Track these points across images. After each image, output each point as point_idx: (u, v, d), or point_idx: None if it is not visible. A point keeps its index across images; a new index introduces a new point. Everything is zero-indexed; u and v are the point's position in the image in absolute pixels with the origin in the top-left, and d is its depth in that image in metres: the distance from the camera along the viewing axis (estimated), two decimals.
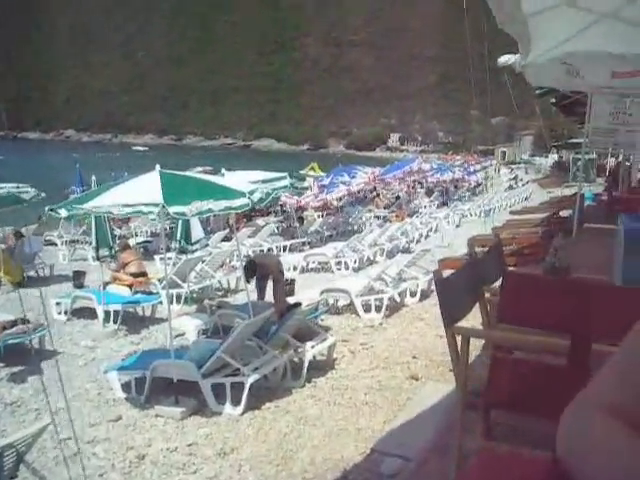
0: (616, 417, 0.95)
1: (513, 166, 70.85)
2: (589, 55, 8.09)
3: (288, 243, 20.32)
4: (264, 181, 10.04)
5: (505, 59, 9.95)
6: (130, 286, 12.29)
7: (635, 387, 0.96)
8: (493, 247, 5.00)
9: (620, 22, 6.87)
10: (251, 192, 7.74)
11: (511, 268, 11.65)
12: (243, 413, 7.19)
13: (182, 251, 17.80)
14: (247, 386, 7.27)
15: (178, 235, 18.87)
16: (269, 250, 19.08)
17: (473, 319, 4.39)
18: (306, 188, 23.75)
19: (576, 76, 9.02)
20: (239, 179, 9.82)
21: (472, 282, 3.77)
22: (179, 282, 12.78)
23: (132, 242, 18.80)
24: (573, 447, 0.97)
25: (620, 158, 20.50)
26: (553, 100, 16.76)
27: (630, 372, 0.98)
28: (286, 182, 10.91)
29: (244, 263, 11.19)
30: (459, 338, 3.07)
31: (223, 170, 12.36)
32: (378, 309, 11.20)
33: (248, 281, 10.69)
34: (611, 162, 33.39)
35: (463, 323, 3.38)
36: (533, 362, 3.02)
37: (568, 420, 1.00)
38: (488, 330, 3.58)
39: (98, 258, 16.84)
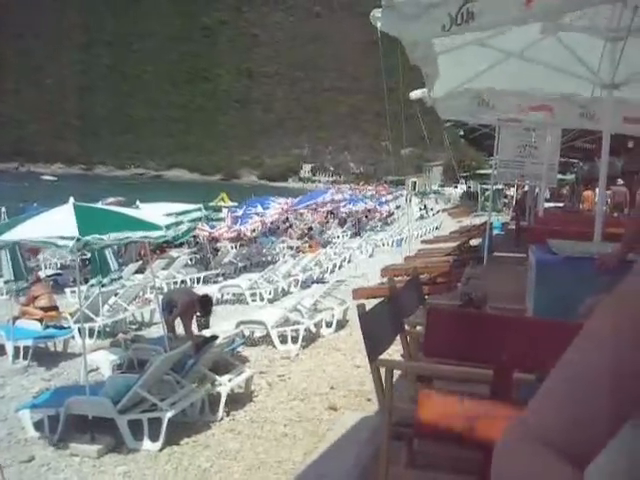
0: (547, 447, 0.97)
1: (423, 196, 72.26)
2: (496, 90, 8.42)
3: (202, 275, 20.15)
4: (180, 214, 9.98)
5: (417, 93, 10.22)
6: (40, 320, 11.96)
7: (561, 416, 0.99)
8: (411, 279, 5.12)
9: (524, 61, 7.20)
10: (168, 226, 7.70)
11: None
12: (162, 449, 7.09)
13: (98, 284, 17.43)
14: (165, 421, 7.17)
15: (94, 267, 18.48)
16: (183, 282, 18.89)
17: (392, 351, 4.49)
18: (220, 219, 23.67)
19: (486, 106, 9.35)
20: (154, 211, 9.74)
21: (393, 314, 3.87)
22: (92, 316, 12.51)
23: (42, 274, 18.32)
24: (509, 478, 0.99)
25: (526, 188, 21.22)
26: (462, 133, 17.30)
27: (554, 400, 1.02)
28: (201, 214, 10.91)
29: (162, 300, 11.17)
30: (383, 370, 3.15)
31: (138, 202, 12.22)
32: (294, 340, 11.23)
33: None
34: (517, 192, 34.46)
35: (384, 355, 3.46)
36: (458, 393, 3.11)
37: (501, 451, 1.01)
38: (412, 362, 3.67)
39: (7, 292, 16.34)
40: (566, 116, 9.49)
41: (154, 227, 7.62)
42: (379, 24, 4.67)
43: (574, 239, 5.53)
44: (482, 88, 8.19)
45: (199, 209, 10.78)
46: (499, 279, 10.78)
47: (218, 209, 23.07)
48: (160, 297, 11.31)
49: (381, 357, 3.30)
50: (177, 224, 8.17)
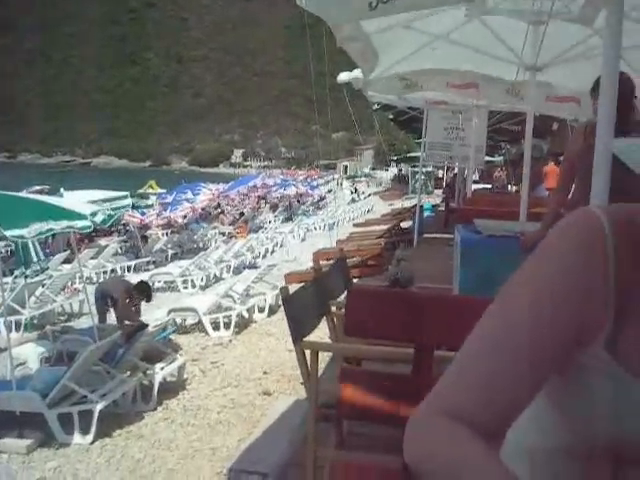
0: (456, 419, 0.99)
1: (355, 179, 72.63)
2: (425, 70, 8.48)
3: (132, 263, 19.85)
4: (105, 200, 9.81)
5: (345, 76, 10.23)
6: None
7: (469, 388, 1.02)
8: (337, 261, 5.13)
9: (451, 44, 7.27)
10: (93, 214, 7.54)
11: (356, 280, 12.00)
12: (93, 442, 6.98)
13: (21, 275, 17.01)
14: (96, 413, 7.06)
15: (18, 258, 18.04)
16: (113, 271, 18.59)
17: (321, 332, 4.50)
18: (150, 206, 23.36)
19: (414, 87, 9.42)
20: (79, 199, 9.55)
21: (318, 296, 3.86)
22: (18, 308, 12.22)
23: None
24: (418, 453, 1.01)
25: (456, 170, 21.53)
26: (391, 116, 17.42)
27: (463, 374, 1.04)
28: (128, 201, 10.75)
29: (96, 290, 10.98)
30: (308, 352, 3.15)
31: (62, 190, 11.95)
32: (227, 326, 11.18)
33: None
34: (447, 174, 34.91)
35: (311, 337, 3.46)
36: (380, 373, 3.14)
37: (412, 426, 1.03)
38: (336, 343, 3.68)
39: None
40: (492, 95, 9.65)
41: (78, 216, 7.45)
42: (303, 3, 4.63)
43: (502, 219, 5.63)
44: (408, 72, 8.23)
45: (126, 196, 10.61)
46: (429, 260, 10.94)
47: (146, 196, 22.70)
48: (90, 287, 11.11)
49: (307, 339, 3.30)
50: (103, 211, 8.01)
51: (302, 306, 3.43)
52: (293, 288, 3.86)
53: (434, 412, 1.02)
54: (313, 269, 4.45)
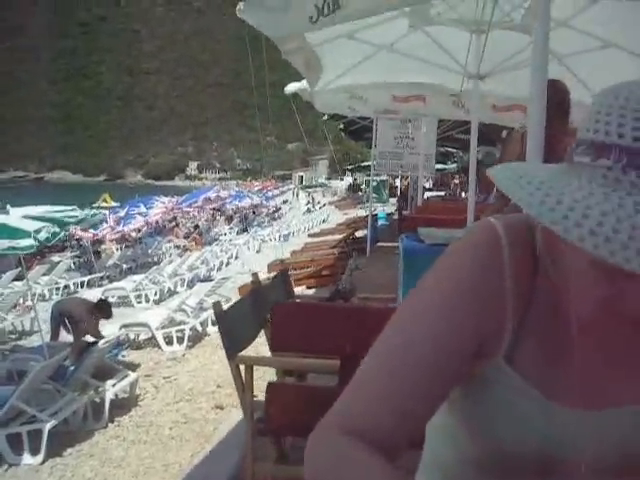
0: (355, 436, 0.98)
1: (310, 190, 72.68)
2: (370, 84, 8.54)
3: (86, 279, 19.63)
4: (51, 218, 9.63)
5: (292, 87, 10.23)
6: None
7: (367, 404, 1.02)
8: (278, 274, 5.14)
9: (395, 53, 7.32)
10: (37, 231, 7.43)
11: (311, 290, 12.02)
12: (43, 462, 6.86)
13: None
14: (45, 432, 6.94)
15: None
16: (66, 287, 18.35)
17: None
18: (103, 221, 23.07)
19: (360, 100, 9.47)
20: (25, 215, 9.38)
21: (257, 309, 3.85)
22: None
23: None
24: (318, 471, 0.99)
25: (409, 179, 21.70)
26: (341, 126, 17.49)
27: (362, 389, 1.04)
28: (76, 215, 10.58)
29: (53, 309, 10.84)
30: (242, 367, 3.15)
31: (8, 206, 11.72)
32: (180, 340, 11.09)
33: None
34: (402, 182, 35.13)
35: (251, 351, 3.46)
36: (306, 386, 3.14)
37: (312, 443, 1.01)
38: (268, 357, 3.67)
39: None
40: (439, 106, 9.74)
41: (22, 234, 7.32)
42: (244, 17, 4.64)
43: (450, 226, 5.67)
44: (354, 83, 8.27)
45: (74, 210, 10.44)
46: (380, 269, 10.98)
47: (98, 211, 22.40)
48: (44, 304, 10.96)
49: (244, 353, 3.30)
50: (47, 228, 7.89)
51: (238, 320, 3.42)
52: (218, 302, 3.84)
53: (334, 429, 1.01)
54: (252, 282, 4.42)
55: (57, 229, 8.30)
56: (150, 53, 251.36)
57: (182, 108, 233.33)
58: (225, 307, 3.44)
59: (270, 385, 2.93)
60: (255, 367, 3.25)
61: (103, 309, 10.76)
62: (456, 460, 1.19)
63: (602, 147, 0.88)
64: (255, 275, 4.65)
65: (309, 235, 26.98)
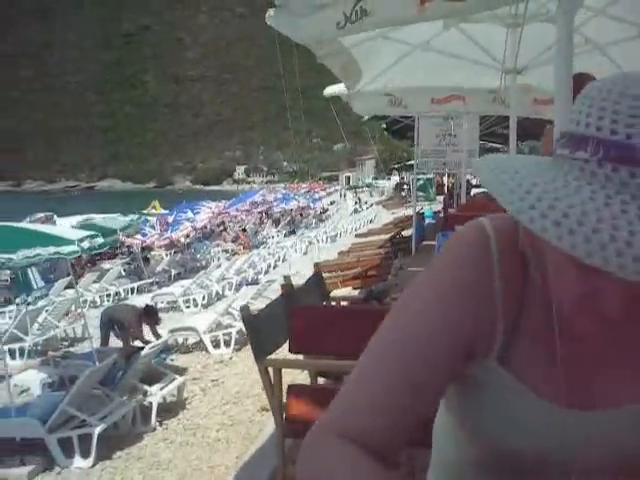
0: (349, 441, 0.98)
1: (357, 190, 72.56)
2: (408, 87, 8.51)
3: (135, 285, 19.88)
4: (94, 224, 9.83)
5: (331, 90, 10.23)
6: None
7: (361, 408, 1.01)
8: (313, 275, 5.14)
9: (431, 53, 7.29)
10: (81, 239, 7.58)
11: (354, 292, 12.00)
12: (94, 465, 6.99)
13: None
14: (95, 436, 7.07)
15: (18, 286, 18.08)
16: (116, 294, 18.62)
17: None
18: (150, 227, 23.37)
19: (399, 105, 9.44)
20: (71, 224, 9.60)
21: (288, 312, 3.86)
22: (20, 335, 12.25)
23: None
24: (311, 477, 0.99)
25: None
26: (384, 126, 17.42)
27: (355, 393, 1.04)
28: (123, 222, 10.77)
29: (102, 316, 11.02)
30: (271, 370, 3.15)
31: (55, 217, 12.01)
32: (227, 344, 11.19)
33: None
34: (450, 180, 34.89)
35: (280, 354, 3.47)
36: (327, 388, 3.13)
37: (305, 449, 1.01)
38: (295, 359, 3.68)
39: None
40: (479, 103, 9.65)
41: (65, 242, 7.50)
42: (273, 24, 4.67)
43: None
44: (392, 86, 8.25)
45: (118, 216, 10.62)
46: (424, 268, 10.91)
47: (146, 217, 22.73)
48: (95, 311, 11.14)
49: (272, 357, 3.31)
50: (93, 236, 8.06)
51: (268, 322, 3.44)
52: (246, 306, 3.85)
53: (327, 434, 1.00)
54: (282, 285, 4.42)
55: (100, 237, 8.46)
56: (194, 60, 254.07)
57: (228, 113, 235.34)
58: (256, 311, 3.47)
59: (290, 387, 2.93)
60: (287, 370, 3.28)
61: (151, 315, 10.90)
62: (457, 459, 1.20)
63: (581, 140, 0.87)
64: (287, 278, 4.66)
65: (356, 235, 26.92)
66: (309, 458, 1.01)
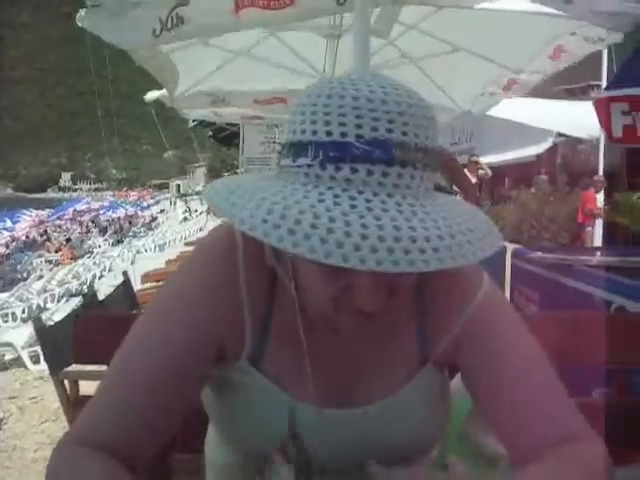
0: (97, 448, 0.97)
1: (187, 198, 72.00)
2: (232, 90, 8.50)
3: None
4: None
5: (153, 95, 10.04)
6: None
7: (106, 416, 1.01)
8: (121, 284, 5.11)
9: (252, 60, 7.32)
10: None
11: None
12: None
13: None
14: None
15: None
16: None
17: None
18: None
19: (221, 103, 9.41)
20: None
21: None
22: None
23: None
24: None
25: None
26: (210, 133, 17.37)
27: (100, 401, 1.04)
28: None
29: None
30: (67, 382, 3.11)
31: None
32: None
33: None
34: None
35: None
36: None
37: (54, 458, 1.00)
38: (88, 370, 3.58)
39: None
40: None
41: None
42: (86, 25, 4.49)
43: None
44: (215, 90, 8.22)
45: None
46: None
47: None
48: None
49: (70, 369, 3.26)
50: None
51: (64, 334, 3.34)
52: (39, 317, 3.72)
53: (76, 446, 0.99)
54: (83, 295, 4.37)
55: None
56: (16, 60, 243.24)
57: (53, 117, 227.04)
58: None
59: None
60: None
61: None
62: (223, 463, 1.22)
63: (300, 147, 0.89)
64: (91, 288, 4.60)
65: (185, 244, 26.65)
66: (54, 468, 0.99)
